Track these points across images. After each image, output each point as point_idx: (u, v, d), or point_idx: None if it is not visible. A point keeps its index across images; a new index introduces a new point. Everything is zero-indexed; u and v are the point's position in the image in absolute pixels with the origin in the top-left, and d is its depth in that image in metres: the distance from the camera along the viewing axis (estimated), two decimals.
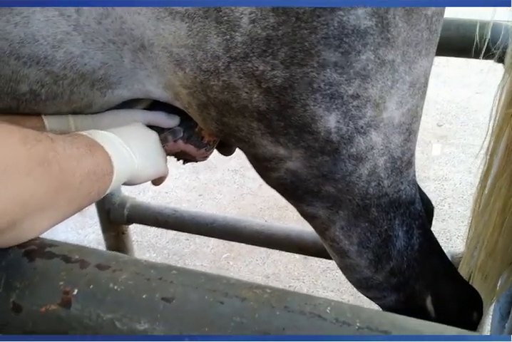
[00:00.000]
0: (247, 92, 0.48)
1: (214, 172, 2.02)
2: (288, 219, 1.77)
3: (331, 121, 0.49)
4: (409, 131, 0.55)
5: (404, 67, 0.50)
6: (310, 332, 0.22)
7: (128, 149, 0.49)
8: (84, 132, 0.45)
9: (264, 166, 0.55)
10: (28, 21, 0.46)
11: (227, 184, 1.97)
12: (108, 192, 0.44)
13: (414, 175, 0.61)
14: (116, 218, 1.26)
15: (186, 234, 1.54)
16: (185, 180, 1.99)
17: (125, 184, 0.52)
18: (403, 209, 0.60)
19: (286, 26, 0.44)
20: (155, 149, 0.57)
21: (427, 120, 2.35)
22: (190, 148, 0.64)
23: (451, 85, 2.69)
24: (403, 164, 0.57)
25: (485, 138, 0.74)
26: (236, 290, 0.24)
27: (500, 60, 0.79)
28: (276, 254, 1.61)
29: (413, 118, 0.54)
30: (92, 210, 1.36)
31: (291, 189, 0.56)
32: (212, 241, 1.67)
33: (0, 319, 0.25)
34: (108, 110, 0.57)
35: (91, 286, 0.24)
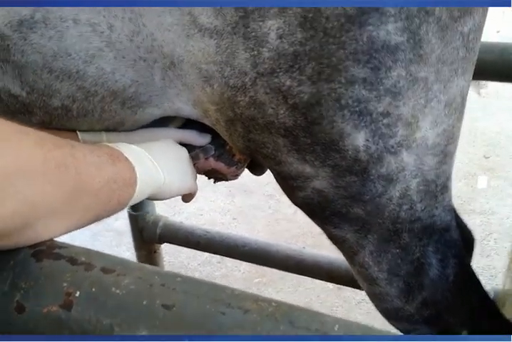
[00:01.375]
0: (273, 108, 0.47)
1: (249, 196, 2.02)
2: (323, 246, 1.72)
3: (359, 139, 0.47)
4: (444, 153, 0.52)
5: (439, 85, 0.48)
6: None
7: (155, 162, 0.49)
8: (110, 144, 0.45)
9: (290, 184, 0.54)
10: (62, 35, 0.47)
11: (262, 208, 1.95)
12: (131, 202, 0.44)
13: (450, 200, 0.58)
14: (149, 236, 1.27)
15: (218, 256, 1.53)
16: (220, 203, 2.00)
17: (150, 198, 0.52)
18: (438, 236, 0.56)
19: (313, 41, 0.43)
20: (184, 165, 0.57)
21: (474, 151, 2.27)
22: (220, 166, 0.64)
23: (499, 117, 2.60)
24: (437, 188, 0.54)
25: None
26: (240, 301, 0.23)
27: None
28: (308, 283, 1.56)
29: (448, 139, 0.52)
30: (127, 228, 1.38)
31: (318, 210, 0.54)
32: (244, 265, 1.65)
33: (3, 319, 0.25)
34: (140, 127, 0.58)
35: (93, 289, 0.24)
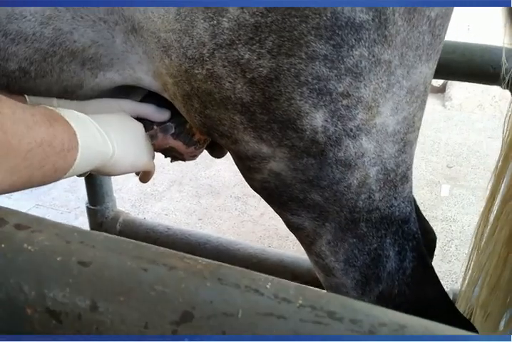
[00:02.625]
0: (230, 83, 0.45)
1: (216, 197, 1.99)
2: (288, 248, 1.71)
3: (317, 119, 0.46)
4: (404, 141, 0.51)
5: (402, 70, 0.46)
6: (241, 307, 0.18)
7: (103, 132, 0.46)
8: (50, 107, 0.41)
9: (247, 166, 0.52)
10: None
11: (229, 210, 1.93)
12: (72, 172, 0.40)
13: (410, 192, 0.57)
14: (108, 232, 1.22)
15: (181, 255, 1.50)
16: (186, 203, 1.96)
17: (100, 172, 0.48)
18: (396, 227, 0.55)
19: (276, 13, 0.42)
20: (139, 140, 0.54)
21: (437, 160, 2.32)
22: (178, 144, 0.62)
23: (462, 129, 2.67)
24: (397, 177, 0.53)
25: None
26: (165, 258, 0.21)
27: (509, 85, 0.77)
28: None
29: (409, 128, 0.50)
30: (85, 222, 1.33)
31: (275, 195, 0.53)
32: None
33: None
34: (99, 95, 0.55)
35: (2, 245, 0.21)
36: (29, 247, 0.21)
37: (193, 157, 0.64)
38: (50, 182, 0.38)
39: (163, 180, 2.01)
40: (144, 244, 0.22)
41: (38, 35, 0.47)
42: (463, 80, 0.82)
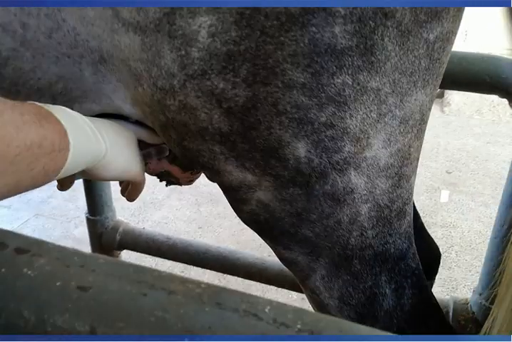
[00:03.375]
0: (206, 113, 0.43)
1: (216, 205, 1.99)
2: None
3: (300, 149, 0.44)
4: (399, 175, 0.47)
5: (394, 99, 0.43)
6: (240, 332, 0.18)
7: (95, 130, 0.44)
8: (39, 103, 0.39)
9: (233, 197, 0.50)
10: None
11: (229, 218, 1.93)
12: (63, 173, 0.38)
13: (409, 227, 0.54)
14: (108, 242, 1.23)
15: (182, 265, 1.49)
16: (185, 212, 1.96)
17: (92, 175, 0.46)
18: (391, 264, 0.52)
19: (249, 41, 0.40)
20: (131, 146, 0.52)
21: (436, 166, 2.33)
22: (174, 170, 0.60)
23: (461, 134, 2.68)
24: (392, 213, 0.49)
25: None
26: (165, 282, 0.21)
27: (506, 94, 0.77)
28: (273, 293, 1.54)
29: (404, 160, 0.47)
30: (84, 232, 1.33)
31: (266, 228, 0.51)
32: (208, 274, 1.61)
33: None
34: None
35: (3, 270, 0.21)
36: (29, 272, 0.21)
37: (190, 182, 0.63)
38: (40, 185, 0.37)
39: (162, 189, 2.01)
40: (145, 267, 0.22)
41: None
42: (459, 89, 0.83)
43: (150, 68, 0.43)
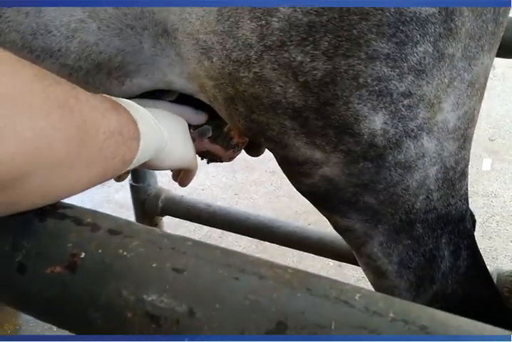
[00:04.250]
0: (281, 86, 0.43)
1: (251, 172, 2.01)
2: (324, 225, 1.72)
3: (377, 122, 0.43)
4: (464, 137, 0.48)
5: (464, 63, 0.44)
6: (334, 318, 0.19)
7: (157, 122, 0.44)
8: (105, 95, 0.39)
9: (295, 170, 0.49)
10: (39, 10, 0.43)
11: (264, 185, 1.94)
12: (134, 163, 0.38)
13: (467, 189, 0.54)
14: (150, 209, 1.26)
15: (219, 231, 1.53)
16: (221, 178, 1.99)
17: (151, 165, 0.47)
18: (452, 227, 0.53)
19: (332, 11, 0.39)
20: (185, 134, 0.52)
21: (478, 133, 2.24)
22: (216, 149, 0.60)
23: (505, 99, 2.56)
24: (456, 175, 0.50)
25: None
26: (254, 267, 0.21)
27: None
28: (309, 259, 1.57)
29: (469, 122, 0.48)
30: (127, 201, 1.37)
31: (325, 199, 0.50)
32: (245, 240, 1.65)
33: (4, 280, 0.24)
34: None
35: (100, 251, 0.23)
36: (125, 253, 0.22)
37: (230, 159, 0.63)
38: (116, 175, 0.36)
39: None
40: (230, 250, 0.23)
41: (64, 50, 0.45)
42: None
43: (224, 40, 0.43)
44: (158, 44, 0.46)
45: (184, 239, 0.24)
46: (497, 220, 1.75)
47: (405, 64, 0.41)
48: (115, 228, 0.24)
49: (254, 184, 1.96)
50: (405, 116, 0.44)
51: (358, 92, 0.42)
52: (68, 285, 0.22)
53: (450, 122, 0.46)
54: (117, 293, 0.22)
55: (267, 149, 0.55)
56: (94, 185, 0.33)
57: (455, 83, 0.44)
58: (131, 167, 0.39)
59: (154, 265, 0.22)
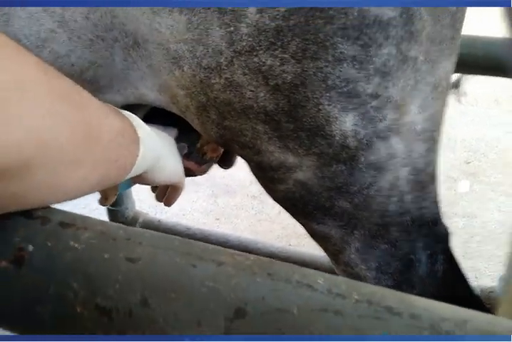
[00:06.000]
0: (252, 91, 0.43)
1: (233, 196, 1.99)
2: (306, 247, 1.70)
3: (347, 123, 0.44)
4: (432, 139, 0.49)
5: (427, 66, 0.45)
6: (296, 302, 0.18)
7: (152, 132, 0.44)
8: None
9: (269, 177, 0.50)
10: (8, 18, 0.43)
11: (246, 209, 1.93)
12: (132, 173, 0.37)
13: (436, 193, 0.55)
14: None
15: None
16: (202, 203, 1.96)
17: (144, 179, 0.46)
18: (427, 230, 0.53)
19: (298, 16, 0.40)
20: (175, 150, 0.53)
21: (455, 156, 2.29)
22: (191, 165, 0.61)
23: (479, 124, 2.64)
24: (427, 177, 0.51)
25: None
26: (213, 254, 0.20)
27: None
28: None
29: (436, 125, 0.49)
30: None
31: (300, 205, 0.50)
32: None
33: None
34: None
35: (49, 244, 0.21)
36: (76, 245, 0.21)
37: (203, 173, 0.63)
38: (117, 182, 0.35)
39: None
40: (190, 240, 0.22)
41: None
42: (480, 73, 0.81)
43: (194, 48, 0.43)
44: (129, 57, 0.47)
45: (142, 231, 0.22)
46: (477, 240, 1.76)
47: (371, 66, 0.42)
48: (67, 221, 0.22)
49: (235, 208, 1.94)
50: (374, 117, 0.44)
51: (328, 94, 0.43)
52: (14, 280, 0.21)
53: (417, 124, 0.47)
54: (66, 286, 0.20)
55: (246, 174, 0.54)
56: (98, 189, 0.31)
57: (420, 86, 0.45)
58: (130, 175, 0.38)
59: (106, 256, 0.20)
